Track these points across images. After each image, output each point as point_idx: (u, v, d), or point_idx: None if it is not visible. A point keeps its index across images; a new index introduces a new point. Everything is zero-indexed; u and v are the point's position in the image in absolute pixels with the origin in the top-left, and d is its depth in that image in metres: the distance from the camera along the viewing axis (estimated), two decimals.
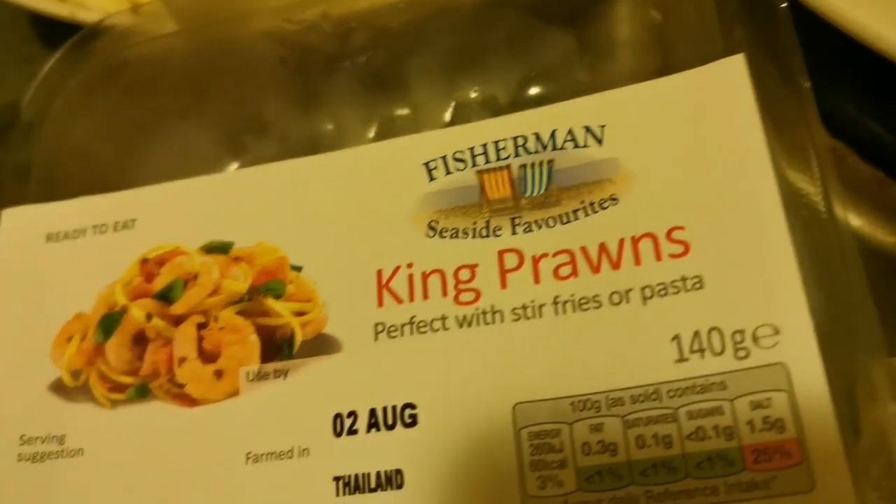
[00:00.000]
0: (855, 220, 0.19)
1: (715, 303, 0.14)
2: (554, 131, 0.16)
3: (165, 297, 0.17)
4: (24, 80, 0.27)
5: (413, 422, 0.15)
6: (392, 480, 0.14)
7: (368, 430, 0.15)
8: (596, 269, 0.15)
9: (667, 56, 0.18)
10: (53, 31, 0.23)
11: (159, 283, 0.17)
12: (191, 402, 0.16)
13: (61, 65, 0.21)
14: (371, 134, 0.21)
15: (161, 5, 0.21)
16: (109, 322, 0.17)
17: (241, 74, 0.21)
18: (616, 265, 0.15)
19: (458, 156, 0.17)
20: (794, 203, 0.14)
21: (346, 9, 0.20)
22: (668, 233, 0.15)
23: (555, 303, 0.15)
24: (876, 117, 0.19)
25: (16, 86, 0.28)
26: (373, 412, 0.15)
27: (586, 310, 0.15)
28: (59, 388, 0.17)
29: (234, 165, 0.21)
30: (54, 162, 0.20)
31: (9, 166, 0.20)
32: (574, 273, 0.15)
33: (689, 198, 0.15)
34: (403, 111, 0.21)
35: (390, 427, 0.15)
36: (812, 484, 0.12)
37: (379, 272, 0.16)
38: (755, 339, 0.13)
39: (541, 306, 0.15)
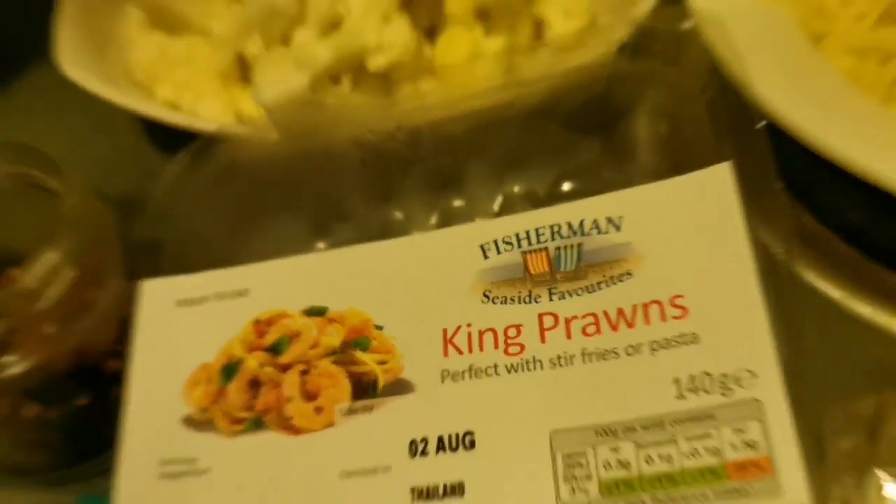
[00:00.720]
0: (834, 293, 0.23)
1: (706, 353, 0.18)
2: (582, 221, 0.21)
3: (275, 349, 0.22)
4: (137, 175, 0.33)
5: (472, 445, 0.19)
6: (456, 490, 0.18)
7: (437, 452, 0.19)
8: (615, 328, 0.19)
9: (672, 159, 0.23)
10: (165, 134, 0.28)
11: (269, 339, 0.22)
12: (296, 431, 0.20)
13: (186, 163, 0.26)
14: (433, 221, 0.26)
15: (265, 118, 0.26)
16: (230, 370, 0.22)
17: (330, 173, 0.26)
18: (630, 325, 0.19)
19: (507, 239, 0.21)
20: (768, 275, 0.18)
21: (417, 121, 0.25)
22: (671, 300, 0.19)
23: (583, 354, 0.19)
24: (849, 209, 0.23)
25: (129, 178, 0.34)
26: (440, 438, 0.19)
27: (607, 359, 0.19)
28: (189, 421, 0.22)
29: (321, 245, 0.26)
30: (181, 241, 0.25)
31: (143, 245, 0.25)
32: (598, 331, 0.19)
33: (688, 273, 0.19)
34: (460, 203, 0.26)
35: (454, 449, 0.19)
36: (780, 490, 0.16)
37: (444, 330, 0.20)
38: (737, 380, 0.18)
39: (571, 356, 0.19)
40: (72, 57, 0.30)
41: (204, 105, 0.29)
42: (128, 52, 0.31)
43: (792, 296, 0.18)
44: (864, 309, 0.22)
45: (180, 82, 0.29)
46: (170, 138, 0.27)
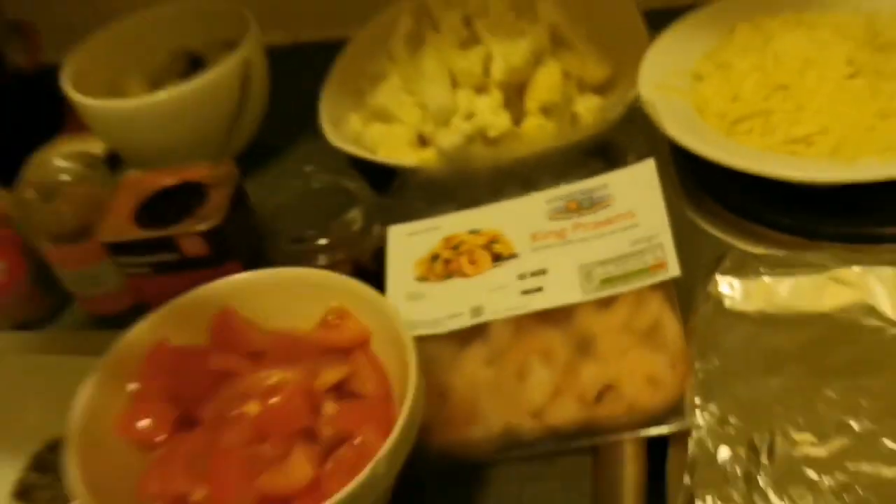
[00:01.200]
0: (700, 222, 0.49)
1: (642, 229, 0.44)
2: (592, 187, 0.48)
3: (454, 247, 0.49)
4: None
5: (545, 272, 0.45)
6: (539, 272, 0.45)
7: (531, 276, 0.45)
8: (608, 223, 0.46)
9: (634, 160, 0.50)
10: (376, 172, 0.55)
11: (451, 243, 0.49)
12: (467, 276, 0.47)
13: (400, 182, 0.54)
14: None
15: (440, 159, 0.54)
16: (434, 257, 0.49)
17: (469, 181, 0.53)
18: (611, 222, 0.45)
19: (559, 196, 0.48)
20: (671, 206, 0.45)
21: (513, 156, 0.52)
22: (628, 213, 0.45)
23: (589, 234, 0.46)
24: (714, 181, 0.50)
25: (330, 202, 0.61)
26: (532, 271, 0.46)
27: (601, 232, 0.45)
28: (417, 279, 0.48)
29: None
30: (407, 214, 0.52)
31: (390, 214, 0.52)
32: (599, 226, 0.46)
33: (635, 204, 0.46)
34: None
35: (536, 275, 0.45)
36: (669, 272, 0.42)
37: (532, 233, 0.47)
38: (655, 236, 0.44)
39: (586, 237, 0.46)
40: (331, 129, 0.58)
41: (404, 157, 0.57)
42: (360, 131, 0.59)
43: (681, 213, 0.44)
44: (716, 232, 0.48)
45: (390, 147, 0.57)
46: (379, 176, 0.55)
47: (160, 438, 0.39)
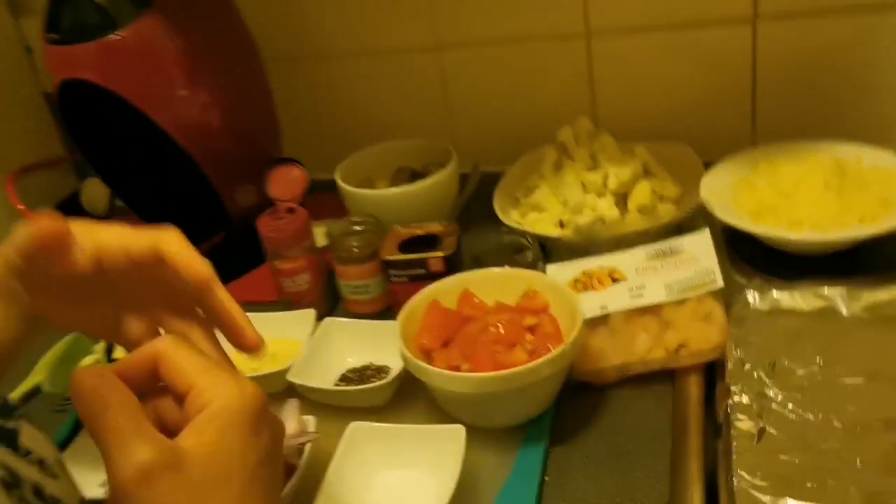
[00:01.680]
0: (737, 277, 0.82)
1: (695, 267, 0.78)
2: (667, 245, 0.82)
3: None
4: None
5: (616, 279, 0.78)
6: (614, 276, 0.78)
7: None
8: (676, 265, 0.79)
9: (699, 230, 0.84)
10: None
11: None
12: None
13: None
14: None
15: (575, 232, 0.88)
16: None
17: (592, 242, 0.87)
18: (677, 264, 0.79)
19: (643, 254, 0.82)
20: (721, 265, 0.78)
21: (618, 233, 0.87)
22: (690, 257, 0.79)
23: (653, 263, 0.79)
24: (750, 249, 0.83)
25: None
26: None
27: (665, 263, 0.79)
28: None
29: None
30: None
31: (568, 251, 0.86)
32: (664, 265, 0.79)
33: (700, 255, 0.79)
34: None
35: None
36: (716, 283, 0.75)
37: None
38: (709, 271, 0.77)
39: (649, 267, 0.79)
40: (503, 216, 0.94)
41: (551, 232, 0.92)
42: (518, 219, 0.95)
43: (723, 260, 0.78)
44: (745, 267, 0.81)
45: (542, 227, 0.92)
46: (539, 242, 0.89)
47: (435, 350, 0.72)
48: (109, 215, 1.15)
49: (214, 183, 0.96)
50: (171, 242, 0.48)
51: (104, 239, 0.48)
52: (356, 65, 1.13)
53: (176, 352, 0.42)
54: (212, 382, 0.40)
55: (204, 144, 0.93)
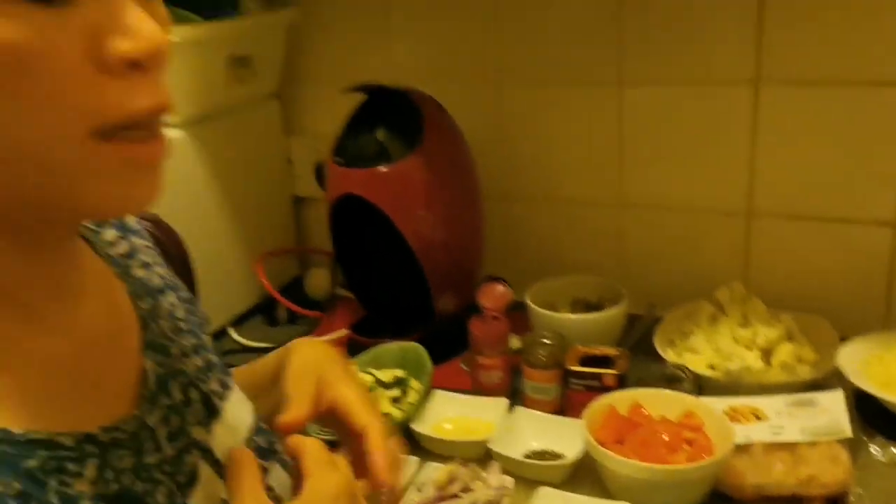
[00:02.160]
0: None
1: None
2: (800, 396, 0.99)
3: None
4: None
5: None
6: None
7: None
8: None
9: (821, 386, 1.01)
10: None
11: None
12: None
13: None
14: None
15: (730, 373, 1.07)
16: None
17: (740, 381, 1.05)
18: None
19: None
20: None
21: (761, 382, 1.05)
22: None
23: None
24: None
25: None
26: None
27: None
28: None
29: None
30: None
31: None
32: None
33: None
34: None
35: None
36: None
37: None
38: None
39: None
40: (664, 353, 1.13)
41: (706, 372, 1.10)
42: (673, 358, 1.14)
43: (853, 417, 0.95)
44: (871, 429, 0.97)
45: (696, 365, 1.11)
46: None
47: (609, 444, 0.91)
48: (331, 300, 1.40)
49: (431, 286, 1.21)
50: (374, 433, 0.65)
51: (343, 401, 0.67)
52: (549, 209, 1.37)
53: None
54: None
55: (430, 255, 1.19)
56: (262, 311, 1.44)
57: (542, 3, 1.27)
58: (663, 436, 0.90)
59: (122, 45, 0.42)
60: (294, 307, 1.39)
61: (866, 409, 1.01)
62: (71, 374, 0.51)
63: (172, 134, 1.26)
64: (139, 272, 0.63)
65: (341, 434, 0.68)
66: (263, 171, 1.47)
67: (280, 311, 1.42)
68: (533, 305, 1.21)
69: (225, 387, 0.65)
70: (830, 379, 1.04)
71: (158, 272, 0.65)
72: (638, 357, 1.14)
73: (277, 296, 1.39)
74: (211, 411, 0.61)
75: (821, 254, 1.22)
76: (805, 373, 1.08)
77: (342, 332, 1.25)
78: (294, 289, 1.47)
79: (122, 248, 0.63)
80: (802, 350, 1.12)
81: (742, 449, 0.95)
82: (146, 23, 0.42)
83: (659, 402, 0.96)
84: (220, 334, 1.34)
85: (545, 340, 1.10)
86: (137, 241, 0.65)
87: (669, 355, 1.13)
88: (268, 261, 1.43)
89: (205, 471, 0.57)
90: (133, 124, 0.44)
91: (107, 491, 0.48)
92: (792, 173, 1.21)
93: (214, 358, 0.66)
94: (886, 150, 1.15)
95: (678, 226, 1.30)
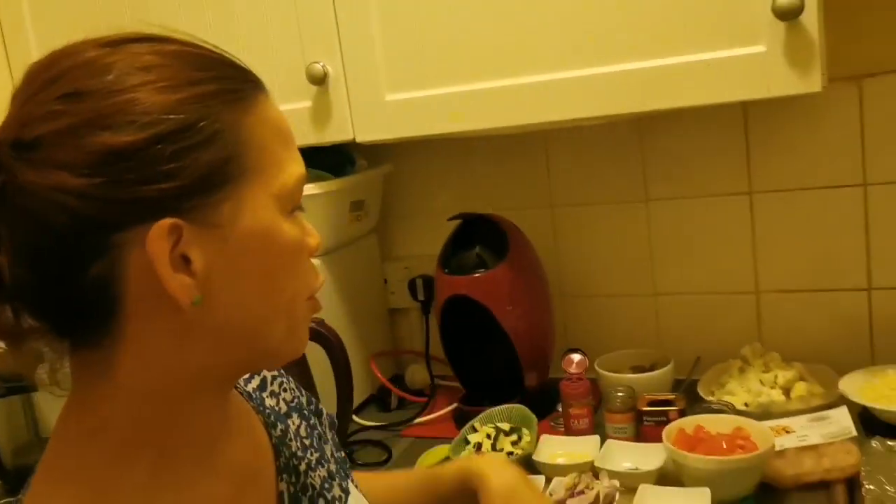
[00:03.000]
0: None
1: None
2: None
3: None
4: None
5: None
6: None
7: None
8: None
9: None
10: None
11: None
12: None
13: None
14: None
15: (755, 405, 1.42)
16: None
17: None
18: None
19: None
20: None
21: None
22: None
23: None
24: None
25: None
26: None
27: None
28: None
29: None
30: None
31: None
32: None
33: None
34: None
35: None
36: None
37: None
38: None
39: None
40: (705, 393, 1.48)
41: (740, 405, 1.45)
42: (714, 396, 1.49)
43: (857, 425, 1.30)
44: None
45: (734, 400, 1.46)
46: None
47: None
48: (431, 392, 1.75)
49: (523, 366, 1.57)
50: None
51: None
52: (599, 303, 1.75)
53: None
54: None
55: (519, 338, 1.55)
56: (375, 401, 1.78)
57: (582, 140, 1.70)
58: (722, 443, 1.25)
59: (314, 241, 0.64)
60: (404, 394, 1.73)
61: (865, 419, 1.36)
62: None
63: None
64: (269, 402, 0.73)
65: None
66: (365, 290, 1.85)
67: (392, 399, 1.76)
68: (602, 370, 1.57)
69: (345, 492, 0.74)
70: (836, 402, 1.40)
71: (284, 398, 0.75)
72: (688, 402, 1.49)
73: (390, 386, 1.74)
74: None
75: (812, 322, 1.59)
76: (817, 401, 1.43)
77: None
78: (396, 382, 1.82)
79: (255, 382, 0.74)
80: (812, 386, 1.47)
81: (779, 454, 1.29)
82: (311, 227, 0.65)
83: (715, 423, 1.31)
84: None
85: (619, 393, 1.45)
86: (266, 373, 0.76)
87: (712, 400, 1.49)
88: (377, 359, 1.79)
89: None
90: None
91: None
92: (785, 258, 1.60)
93: (334, 467, 0.76)
94: (855, 237, 1.55)
95: (704, 305, 1.68)
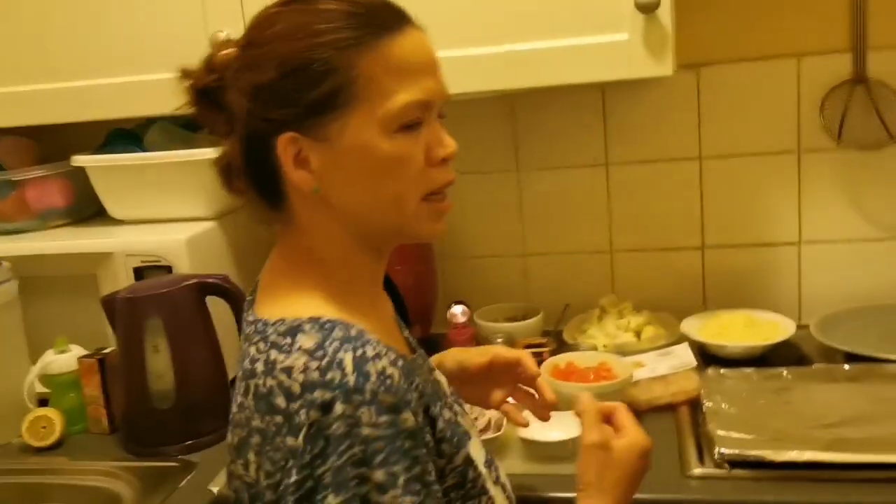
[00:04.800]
0: None
1: None
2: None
3: None
4: None
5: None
6: None
7: None
8: None
9: None
10: None
11: None
12: None
13: None
14: None
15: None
16: None
17: None
18: None
19: None
20: None
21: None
22: None
23: None
24: None
25: None
26: None
27: None
28: None
29: None
30: None
31: None
32: None
33: None
34: None
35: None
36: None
37: None
38: None
39: None
40: (570, 338, 1.70)
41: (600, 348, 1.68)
42: (576, 341, 1.71)
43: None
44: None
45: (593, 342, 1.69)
46: None
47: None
48: None
49: (410, 320, 1.72)
50: (526, 356, 1.07)
51: (496, 350, 1.09)
52: (476, 263, 1.93)
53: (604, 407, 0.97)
54: (627, 422, 0.95)
55: (409, 296, 1.71)
56: None
57: (452, 115, 1.86)
58: (590, 375, 1.46)
59: (443, 153, 0.83)
60: None
61: (702, 353, 1.62)
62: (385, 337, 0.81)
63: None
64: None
65: (498, 384, 1.09)
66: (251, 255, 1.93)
67: None
68: (481, 321, 1.75)
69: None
70: (678, 341, 1.65)
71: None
72: (557, 347, 1.71)
73: None
74: None
75: (661, 271, 1.85)
76: (662, 340, 1.68)
77: None
78: None
79: None
80: (658, 329, 1.73)
81: (634, 384, 1.52)
82: (450, 139, 0.84)
83: (583, 359, 1.52)
84: None
85: (499, 339, 1.64)
86: None
87: (575, 343, 1.71)
88: None
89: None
90: (438, 191, 0.83)
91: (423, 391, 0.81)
92: (635, 222, 1.85)
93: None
94: (692, 203, 1.81)
95: (566, 263, 1.90)
